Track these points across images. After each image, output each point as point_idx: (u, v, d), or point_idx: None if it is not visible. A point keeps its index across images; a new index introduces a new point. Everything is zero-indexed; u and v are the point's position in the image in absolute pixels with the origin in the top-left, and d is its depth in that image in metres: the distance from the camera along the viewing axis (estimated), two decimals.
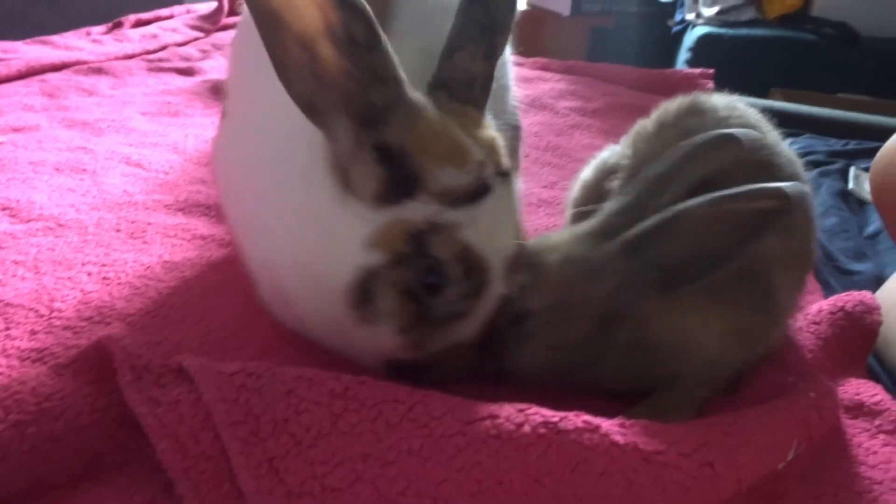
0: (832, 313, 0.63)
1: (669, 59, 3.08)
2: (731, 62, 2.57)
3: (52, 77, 1.28)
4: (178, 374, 0.47)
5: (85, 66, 1.35)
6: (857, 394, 0.57)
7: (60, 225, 0.75)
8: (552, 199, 0.95)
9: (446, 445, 0.43)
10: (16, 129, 1.02)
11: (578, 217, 0.60)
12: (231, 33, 1.11)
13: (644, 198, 0.53)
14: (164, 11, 1.78)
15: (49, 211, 0.78)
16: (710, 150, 0.52)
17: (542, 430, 0.43)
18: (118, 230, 0.76)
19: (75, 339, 0.57)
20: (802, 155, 0.62)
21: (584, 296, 0.52)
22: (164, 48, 1.56)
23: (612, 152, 0.66)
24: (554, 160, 1.11)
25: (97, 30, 1.60)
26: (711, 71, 1.51)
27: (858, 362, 0.62)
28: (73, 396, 0.46)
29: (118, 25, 1.63)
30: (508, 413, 0.45)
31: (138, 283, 0.66)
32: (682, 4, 3.25)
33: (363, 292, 0.49)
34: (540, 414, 0.45)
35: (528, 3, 3.20)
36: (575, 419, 0.44)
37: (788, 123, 0.68)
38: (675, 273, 0.51)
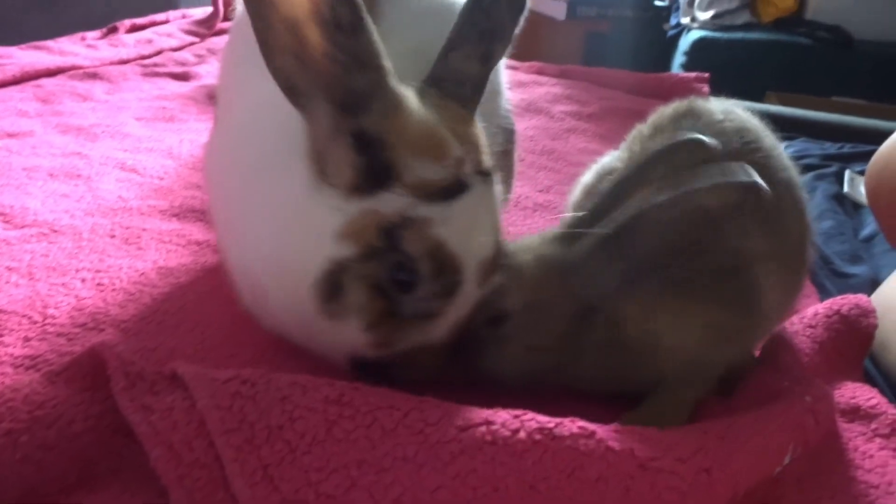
0: (828, 317, 0.63)
1: (665, 63, 3.09)
2: (726, 66, 2.59)
3: (46, 82, 1.27)
4: (172, 381, 0.47)
5: (80, 72, 1.35)
6: (854, 397, 0.57)
7: (54, 231, 0.75)
8: (548, 203, 0.95)
9: (442, 452, 0.43)
10: (10, 135, 1.02)
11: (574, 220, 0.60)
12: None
13: (610, 201, 0.53)
14: (160, 16, 1.78)
15: (43, 217, 0.78)
16: (674, 154, 0.52)
17: (538, 437, 0.43)
18: (113, 236, 0.75)
19: (69, 346, 0.57)
20: (798, 158, 0.62)
21: (560, 294, 0.52)
22: (159, 53, 1.56)
23: (613, 157, 0.66)
24: (549, 164, 1.11)
25: (92, 35, 1.59)
26: (707, 75, 1.52)
27: (854, 366, 0.62)
28: (66, 404, 0.46)
29: (113, 30, 1.63)
30: (504, 419, 0.44)
31: (133, 289, 0.66)
32: (678, 9, 3.26)
33: (332, 285, 0.48)
34: (535, 420, 0.44)
35: None
36: (570, 425, 0.44)
37: (784, 127, 0.68)
38: (647, 267, 0.51)
